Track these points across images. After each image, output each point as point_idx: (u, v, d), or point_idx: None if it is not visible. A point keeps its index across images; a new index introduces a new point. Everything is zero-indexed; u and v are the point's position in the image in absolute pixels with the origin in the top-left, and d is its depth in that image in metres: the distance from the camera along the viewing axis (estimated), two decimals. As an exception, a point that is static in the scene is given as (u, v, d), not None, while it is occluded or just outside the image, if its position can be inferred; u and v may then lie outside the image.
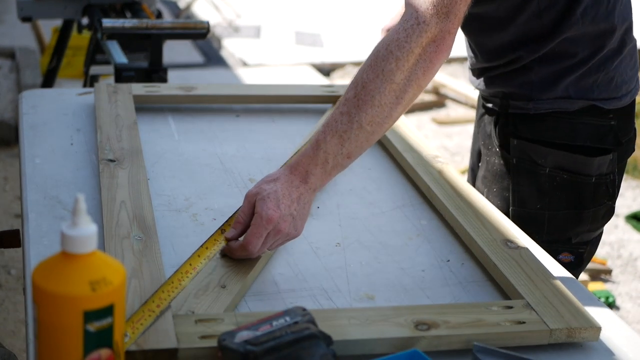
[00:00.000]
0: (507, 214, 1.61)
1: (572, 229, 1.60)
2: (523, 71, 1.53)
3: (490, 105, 1.65)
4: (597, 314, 1.19)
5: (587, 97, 1.53)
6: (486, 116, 1.68)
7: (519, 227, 1.48)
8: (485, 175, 1.66)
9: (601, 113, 1.54)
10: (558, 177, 1.55)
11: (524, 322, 1.12)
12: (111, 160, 1.48)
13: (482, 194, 1.66)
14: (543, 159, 1.55)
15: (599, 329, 1.13)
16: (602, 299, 3.02)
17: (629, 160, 1.65)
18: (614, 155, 1.58)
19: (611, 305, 3.08)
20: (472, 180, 1.77)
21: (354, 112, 1.23)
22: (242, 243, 1.21)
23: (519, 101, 1.55)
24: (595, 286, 3.17)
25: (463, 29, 1.61)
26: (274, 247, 1.24)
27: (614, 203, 1.61)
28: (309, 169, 1.24)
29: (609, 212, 1.61)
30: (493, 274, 1.28)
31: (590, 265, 3.32)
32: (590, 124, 1.54)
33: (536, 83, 1.53)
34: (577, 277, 1.60)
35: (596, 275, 3.30)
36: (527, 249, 1.31)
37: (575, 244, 1.61)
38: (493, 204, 1.60)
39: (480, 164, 1.71)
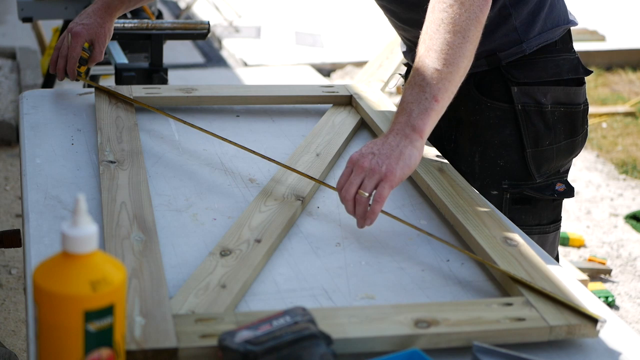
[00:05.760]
0: (511, 161, 1.68)
1: (566, 157, 1.73)
2: (506, 20, 1.64)
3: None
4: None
5: (559, 23, 1.68)
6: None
7: (535, 166, 1.65)
8: (478, 134, 1.70)
9: (569, 48, 1.71)
10: (557, 112, 1.68)
11: (523, 319, 1.12)
12: (111, 162, 1.49)
13: (472, 156, 1.70)
14: (544, 97, 1.66)
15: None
16: (602, 299, 3.03)
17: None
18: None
19: (610, 305, 3.09)
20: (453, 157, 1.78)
21: (427, 61, 1.36)
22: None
23: (511, 48, 1.65)
24: (594, 286, 3.18)
25: None
26: (368, 188, 1.30)
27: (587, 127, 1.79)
28: (395, 120, 1.37)
29: (585, 136, 1.76)
30: (493, 272, 1.28)
31: (589, 265, 3.32)
32: (566, 58, 1.70)
33: (519, 27, 1.64)
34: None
35: (596, 275, 3.31)
36: (526, 246, 1.32)
37: (562, 173, 1.75)
38: (492, 155, 1.68)
39: (457, 134, 1.74)
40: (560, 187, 1.72)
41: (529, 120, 1.66)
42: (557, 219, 1.76)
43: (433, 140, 1.78)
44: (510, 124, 1.67)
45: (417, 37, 1.72)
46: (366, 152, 1.33)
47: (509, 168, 1.68)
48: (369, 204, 1.31)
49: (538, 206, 1.71)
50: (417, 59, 1.39)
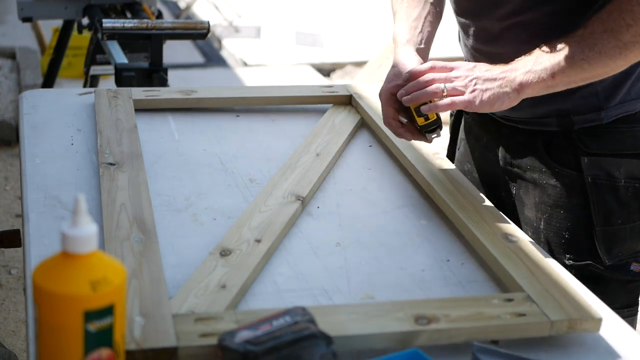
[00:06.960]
0: (577, 235, 1.54)
1: None
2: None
3: (533, 127, 1.58)
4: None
5: None
6: (519, 139, 1.61)
7: (605, 247, 1.51)
8: (543, 201, 1.57)
9: None
10: (631, 187, 1.54)
11: (524, 315, 1.12)
12: (111, 164, 1.49)
13: (538, 221, 1.58)
14: (618, 171, 1.53)
15: (599, 320, 1.13)
16: (602, 299, 3.02)
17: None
18: None
19: (611, 305, 3.08)
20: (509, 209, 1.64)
21: (574, 46, 1.35)
22: None
23: (588, 114, 1.52)
24: (595, 286, 3.17)
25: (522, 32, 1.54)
26: (449, 89, 1.36)
27: None
28: (509, 64, 1.38)
29: None
30: (494, 268, 1.28)
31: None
32: None
33: (601, 92, 1.51)
34: None
35: (596, 275, 3.30)
36: (527, 242, 1.32)
37: (639, 252, 1.58)
38: (557, 226, 1.55)
39: (520, 191, 1.61)
40: (636, 267, 1.54)
41: (600, 194, 1.51)
42: (634, 303, 1.58)
43: (488, 187, 1.66)
44: (577, 195, 1.53)
45: (469, 27, 1.60)
46: (473, 71, 1.37)
47: (575, 241, 1.53)
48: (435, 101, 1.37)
49: (610, 286, 1.53)
50: (564, 39, 1.37)
